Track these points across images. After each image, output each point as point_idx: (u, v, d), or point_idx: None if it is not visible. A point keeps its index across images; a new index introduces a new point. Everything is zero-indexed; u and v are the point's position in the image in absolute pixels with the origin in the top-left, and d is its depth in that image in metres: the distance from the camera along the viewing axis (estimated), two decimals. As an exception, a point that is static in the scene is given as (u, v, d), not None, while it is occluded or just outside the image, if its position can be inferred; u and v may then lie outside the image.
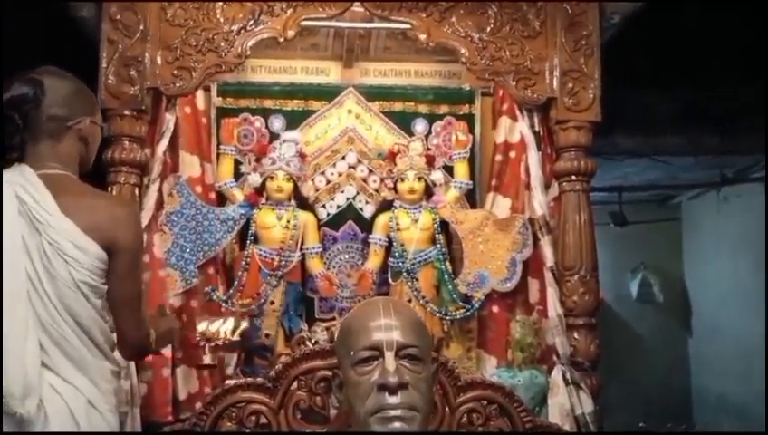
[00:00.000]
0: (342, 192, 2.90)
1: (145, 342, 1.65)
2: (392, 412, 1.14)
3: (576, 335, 2.42)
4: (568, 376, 2.36)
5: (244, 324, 2.52)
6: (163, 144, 2.45)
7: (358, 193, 2.90)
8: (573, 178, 2.47)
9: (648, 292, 6.99)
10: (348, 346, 1.22)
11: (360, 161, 2.90)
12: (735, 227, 6.20)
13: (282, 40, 2.36)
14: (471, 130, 2.89)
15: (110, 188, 2.28)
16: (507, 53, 2.45)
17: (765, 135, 3.90)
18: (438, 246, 2.74)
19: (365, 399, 1.16)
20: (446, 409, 1.52)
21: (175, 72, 2.31)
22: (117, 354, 1.64)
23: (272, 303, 2.66)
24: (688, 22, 3.46)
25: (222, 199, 2.77)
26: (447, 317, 2.69)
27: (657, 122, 4.34)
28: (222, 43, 2.32)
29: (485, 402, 1.53)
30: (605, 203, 6.08)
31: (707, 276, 6.73)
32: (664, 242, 7.03)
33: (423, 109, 2.93)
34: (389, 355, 1.17)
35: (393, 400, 1.15)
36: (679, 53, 3.68)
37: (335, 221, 2.89)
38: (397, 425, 1.14)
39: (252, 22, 2.33)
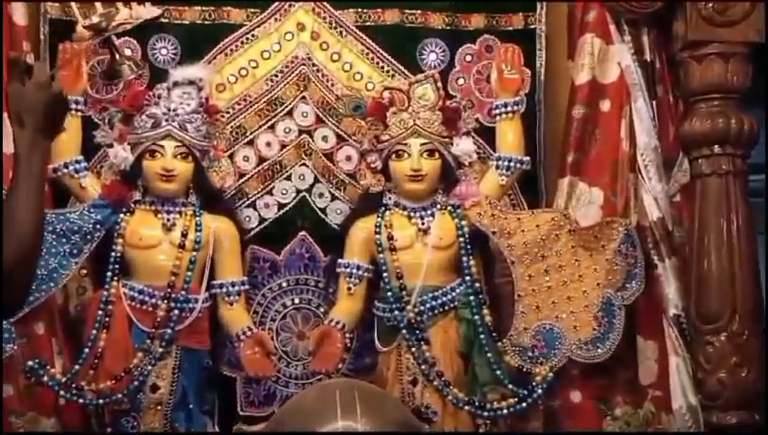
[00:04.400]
0: (288, 179, 2.95)
1: (7, 272, 1.68)
2: None
3: (729, 437, 2.44)
4: None
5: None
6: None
7: (316, 180, 2.94)
8: (717, 150, 2.49)
9: None
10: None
11: (320, 121, 2.96)
12: None
13: None
14: (529, 61, 2.91)
15: None
16: None
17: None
18: (468, 279, 2.78)
19: None
20: None
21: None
22: None
23: (154, 389, 2.69)
24: None
25: (60, 195, 2.80)
26: (486, 414, 2.73)
27: None
28: None
29: None
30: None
31: None
32: None
33: (438, 22, 2.99)
34: (355, 480, 1.17)
35: None
36: None
37: (275, 232, 2.92)
38: None
39: None
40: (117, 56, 2.35)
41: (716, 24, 2.53)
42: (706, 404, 2.47)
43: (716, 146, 2.53)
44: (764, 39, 2.59)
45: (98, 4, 2.44)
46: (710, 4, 2.53)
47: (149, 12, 2.59)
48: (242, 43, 2.93)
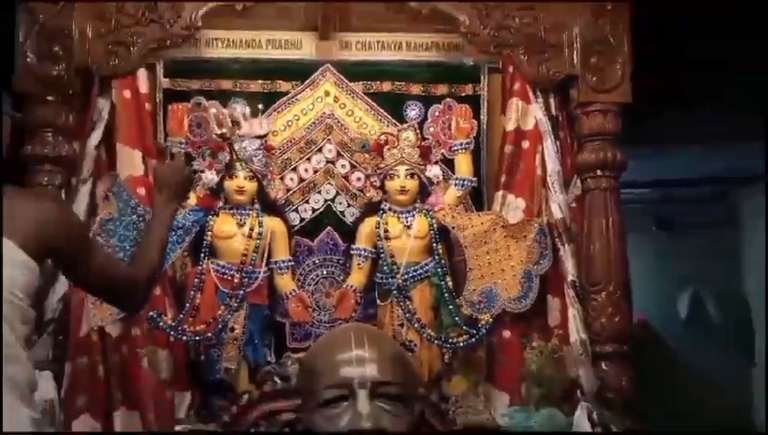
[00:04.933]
0: (319, 193, 2.93)
1: (149, 280, 1.80)
2: (366, 469, 1.16)
3: (604, 366, 2.46)
4: (595, 416, 2.39)
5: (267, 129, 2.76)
6: (96, 136, 2.47)
7: (338, 193, 2.93)
8: (599, 173, 2.52)
9: (700, 311, 7.02)
10: (312, 384, 1.23)
11: (339, 155, 2.93)
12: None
13: (240, 8, 2.38)
14: (476, 115, 2.91)
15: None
16: (517, 20, 2.49)
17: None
18: (436, 257, 2.78)
19: (333, 448, 1.19)
20: (440, 459, 1.55)
21: (109, 47, 2.33)
22: (38, 395, 1.66)
23: (232, 330, 2.69)
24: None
25: None
26: (448, 345, 2.73)
27: (709, 104, 4.36)
28: (166, 12, 2.34)
29: (487, 452, 1.56)
30: (646, 203, 6.13)
31: (774, 291, 6.79)
32: (719, 248, 7.07)
33: (417, 90, 2.96)
34: (362, 394, 1.19)
35: (367, 449, 1.17)
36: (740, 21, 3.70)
37: (310, 228, 2.92)
38: (371, 481, 1.16)
39: (204, -15, 2.35)
40: (234, 156, 2.58)
41: (598, 91, 2.53)
42: (592, 338, 2.48)
43: (598, 170, 2.54)
44: (630, 100, 2.58)
45: (227, 120, 2.65)
46: (594, 78, 2.52)
47: (262, 128, 2.69)
48: (288, 104, 2.92)
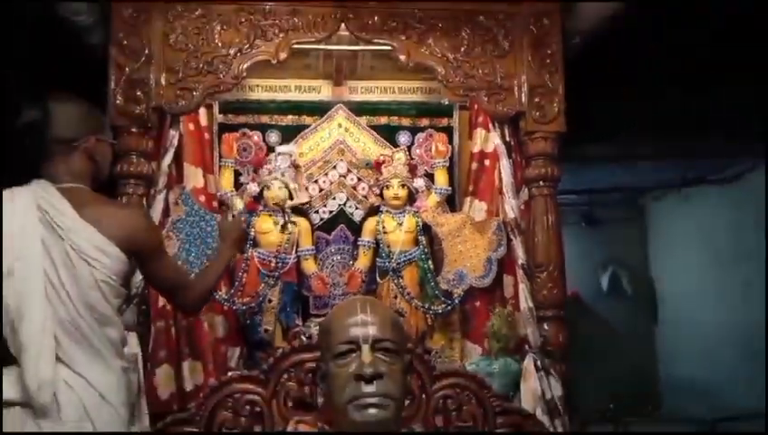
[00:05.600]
0: (334, 199, 2.93)
1: (201, 296, 1.77)
2: (368, 400, 1.16)
3: (546, 326, 2.42)
4: (539, 363, 2.37)
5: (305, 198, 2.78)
6: (168, 158, 2.46)
7: (348, 200, 2.92)
8: (541, 183, 2.47)
9: (617, 285, 7.02)
10: (328, 341, 1.24)
11: (349, 171, 2.93)
12: (696, 225, 6.25)
13: (275, 61, 2.37)
14: (450, 141, 2.92)
15: (120, 199, 2.25)
16: (480, 71, 2.46)
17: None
18: (421, 247, 2.77)
19: (343, 388, 1.18)
20: (423, 396, 1.55)
21: (178, 92, 2.31)
22: (127, 350, 1.66)
23: (270, 301, 2.68)
24: (647, 40, 3.50)
25: (223, 207, 2.78)
26: (430, 312, 2.72)
27: (623, 131, 4.37)
28: (220, 66, 2.32)
29: (459, 390, 1.56)
30: (577, 205, 6.12)
31: (671, 270, 6.77)
32: (631, 239, 7.07)
33: (406, 122, 2.97)
34: (366, 348, 1.20)
35: (369, 389, 1.17)
36: (642, 68, 3.72)
37: (328, 226, 2.91)
38: (372, 411, 1.16)
39: (247, 45, 2.33)
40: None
41: (540, 123, 2.47)
42: (537, 306, 2.44)
43: (540, 182, 2.47)
44: (564, 129, 2.51)
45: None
46: (537, 113, 2.46)
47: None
48: (311, 133, 2.93)
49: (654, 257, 7.13)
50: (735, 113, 4.13)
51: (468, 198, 2.82)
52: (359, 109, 2.94)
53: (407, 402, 1.33)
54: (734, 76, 3.69)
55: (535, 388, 2.35)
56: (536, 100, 2.47)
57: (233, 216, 2.36)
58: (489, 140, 2.75)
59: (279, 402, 1.54)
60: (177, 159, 2.58)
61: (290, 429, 1.32)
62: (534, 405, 2.29)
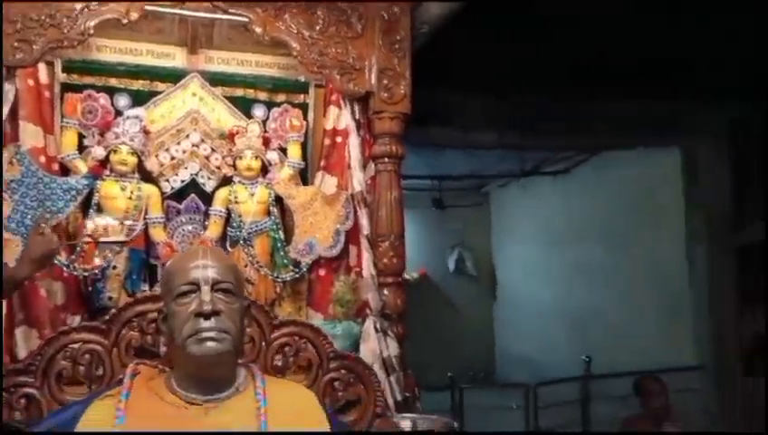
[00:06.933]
0: (186, 168, 2.89)
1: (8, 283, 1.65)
2: (206, 334, 1.27)
3: (386, 292, 2.64)
4: (378, 325, 2.58)
5: (128, 222, 2.56)
6: (3, 114, 2.34)
7: (201, 169, 2.90)
8: (386, 160, 2.66)
9: (462, 266, 7.60)
10: (170, 283, 1.32)
11: (203, 140, 2.90)
12: (532, 212, 6.93)
13: (126, 22, 2.34)
14: (305, 116, 2.98)
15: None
16: (333, 50, 2.60)
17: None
18: (273, 217, 2.81)
19: (183, 325, 1.28)
20: (263, 343, 1.67)
21: (15, 44, 2.22)
22: None
23: (114, 268, 2.65)
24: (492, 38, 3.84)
25: (65, 170, 2.65)
26: (279, 279, 2.78)
27: (469, 120, 4.75)
28: (64, 20, 2.25)
29: (296, 337, 1.70)
30: (428, 190, 6.52)
31: (511, 253, 7.46)
32: (476, 223, 7.68)
33: (262, 96, 2.99)
34: (206, 289, 1.30)
35: (207, 324, 1.28)
36: (489, 63, 4.07)
37: (179, 194, 2.88)
38: (210, 345, 1.27)
39: (95, 2, 2.29)
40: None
41: (387, 103, 2.65)
42: (378, 273, 2.59)
43: (386, 158, 2.66)
44: (410, 111, 2.72)
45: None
46: (384, 94, 2.65)
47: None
48: (163, 99, 2.86)
49: (496, 241, 7.80)
50: (563, 111, 4.66)
51: (320, 173, 2.89)
52: (214, 79, 2.92)
53: (248, 346, 1.44)
54: (567, 78, 4.17)
55: (374, 347, 2.57)
56: (384, 82, 2.66)
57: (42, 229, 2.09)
58: (341, 117, 2.83)
59: (120, 351, 1.58)
60: (14, 116, 2.46)
61: (128, 372, 1.39)
62: (372, 362, 2.50)
